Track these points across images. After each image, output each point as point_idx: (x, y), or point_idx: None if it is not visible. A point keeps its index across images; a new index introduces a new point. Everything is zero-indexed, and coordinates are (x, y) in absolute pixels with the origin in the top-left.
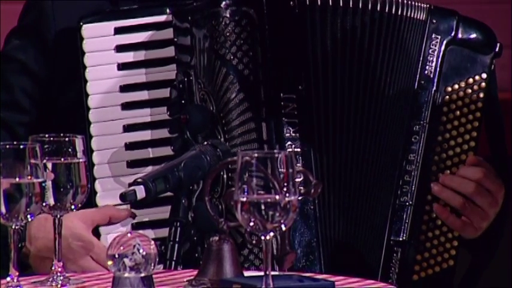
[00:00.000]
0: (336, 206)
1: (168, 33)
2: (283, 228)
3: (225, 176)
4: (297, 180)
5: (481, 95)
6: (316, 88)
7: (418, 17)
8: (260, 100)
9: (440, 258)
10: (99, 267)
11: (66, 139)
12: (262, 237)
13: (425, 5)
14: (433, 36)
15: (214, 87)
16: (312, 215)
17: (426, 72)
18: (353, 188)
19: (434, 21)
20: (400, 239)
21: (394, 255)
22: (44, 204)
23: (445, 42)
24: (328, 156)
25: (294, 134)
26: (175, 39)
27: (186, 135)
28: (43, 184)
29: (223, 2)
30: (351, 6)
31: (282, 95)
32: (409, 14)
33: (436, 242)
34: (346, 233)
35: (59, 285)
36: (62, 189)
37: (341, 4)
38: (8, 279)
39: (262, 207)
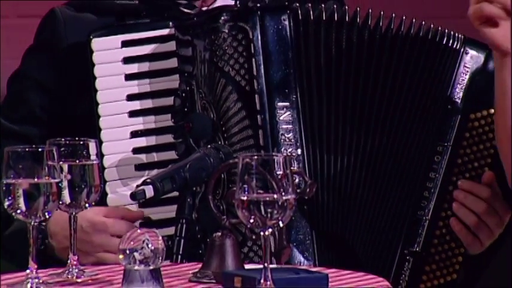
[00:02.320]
0: (331, 210)
1: (171, 46)
2: (281, 224)
3: (226, 179)
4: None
5: None
6: (310, 97)
7: (453, 46)
8: (256, 109)
9: (445, 271)
10: (117, 241)
11: (81, 142)
12: (262, 233)
13: (461, 36)
14: (465, 65)
15: (214, 97)
16: (307, 215)
17: (455, 98)
18: (354, 194)
19: (468, 51)
20: (414, 250)
21: (406, 263)
22: (60, 202)
23: (474, 72)
24: (322, 161)
25: (288, 140)
26: (178, 51)
27: (189, 142)
28: (59, 184)
29: (222, 18)
30: (346, 20)
31: (277, 103)
32: (444, 41)
33: (444, 255)
34: (343, 236)
35: (74, 277)
36: (77, 189)
37: (336, 18)
38: (28, 271)
39: (262, 205)
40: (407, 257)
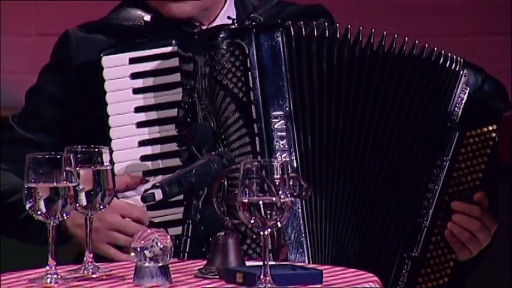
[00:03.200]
0: (323, 212)
1: (174, 62)
2: (279, 225)
3: (226, 183)
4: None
5: (491, 142)
6: (303, 106)
7: (452, 67)
8: (252, 118)
9: (438, 274)
10: (126, 222)
11: (96, 150)
12: (261, 233)
13: (460, 59)
14: (464, 86)
15: (214, 108)
16: (300, 214)
17: (453, 116)
18: (350, 200)
19: (466, 74)
20: (413, 254)
21: (405, 266)
22: (77, 204)
23: (472, 93)
24: (315, 166)
25: (283, 146)
26: (181, 67)
27: (192, 149)
28: (76, 188)
29: (220, 36)
30: (337, 36)
31: (271, 113)
32: (441, 61)
33: (438, 260)
34: (340, 238)
35: (90, 273)
36: (92, 192)
37: (327, 35)
38: (47, 267)
39: (261, 207)
40: (406, 261)
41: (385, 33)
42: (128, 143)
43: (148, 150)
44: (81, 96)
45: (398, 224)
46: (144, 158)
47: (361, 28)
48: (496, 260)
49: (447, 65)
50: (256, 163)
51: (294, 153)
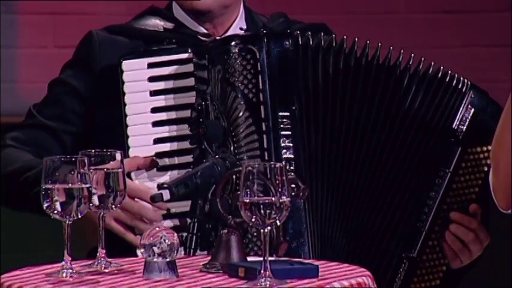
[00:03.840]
0: (323, 210)
1: (189, 68)
2: (278, 223)
3: (234, 180)
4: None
5: (489, 161)
6: (307, 108)
7: (460, 88)
8: (261, 117)
9: (431, 276)
10: (133, 202)
11: (108, 153)
12: (262, 230)
13: (467, 81)
14: (469, 107)
15: (225, 108)
16: (301, 207)
17: (457, 133)
18: (343, 194)
19: (472, 95)
20: (411, 255)
21: (403, 266)
22: (90, 204)
23: (476, 113)
24: (317, 162)
25: (288, 144)
26: (195, 72)
27: (204, 146)
28: (90, 189)
29: (233, 42)
30: (344, 47)
31: (278, 113)
32: (452, 83)
33: (433, 263)
34: (337, 236)
35: (102, 268)
36: (104, 193)
37: (333, 45)
38: (63, 263)
39: (262, 206)
40: (404, 261)
41: (391, 48)
42: (144, 140)
43: (162, 147)
44: (100, 94)
45: (398, 226)
46: (158, 155)
47: (368, 42)
48: (496, 260)
49: (453, 84)
50: (257, 165)
51: (298, 151)
